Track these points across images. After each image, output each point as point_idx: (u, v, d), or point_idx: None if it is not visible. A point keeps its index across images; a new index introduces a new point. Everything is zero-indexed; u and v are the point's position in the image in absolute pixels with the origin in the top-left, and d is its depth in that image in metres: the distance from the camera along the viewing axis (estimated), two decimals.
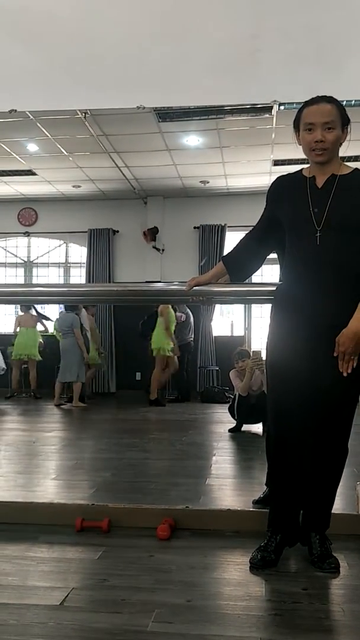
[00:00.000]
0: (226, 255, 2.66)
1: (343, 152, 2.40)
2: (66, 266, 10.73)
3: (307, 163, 2.46)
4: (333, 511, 2.44)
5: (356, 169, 2.41)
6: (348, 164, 2.44)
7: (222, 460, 4.64)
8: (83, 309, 8.59)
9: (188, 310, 9.10)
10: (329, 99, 2.33)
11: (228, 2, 2.98)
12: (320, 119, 2.29)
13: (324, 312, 2.27)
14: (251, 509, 2.98)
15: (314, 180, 2.37)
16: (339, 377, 2.28)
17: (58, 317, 8.87)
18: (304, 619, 1.93)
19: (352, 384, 2.33)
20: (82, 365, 8.35)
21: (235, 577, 2.30)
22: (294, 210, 2.37)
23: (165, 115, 6.66)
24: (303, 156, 2.46)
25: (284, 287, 2.44)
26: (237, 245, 2.61)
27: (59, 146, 7.68)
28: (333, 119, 2.29)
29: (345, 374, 2.26)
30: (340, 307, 2.27)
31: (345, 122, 2.34)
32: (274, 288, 2.50)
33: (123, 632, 1.84)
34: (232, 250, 2.63)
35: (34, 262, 10.73)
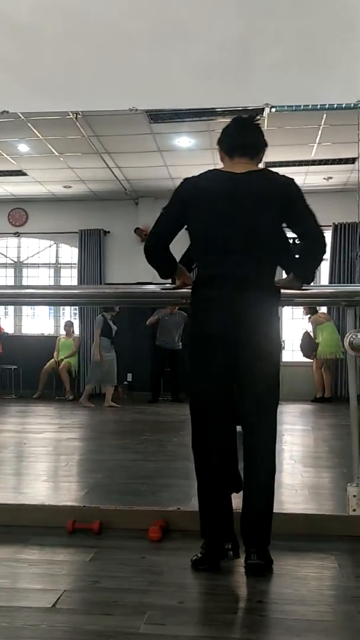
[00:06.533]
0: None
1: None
2: (57, 267, 10.71)
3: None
4: (325, 512, 2.46)
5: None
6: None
7: None
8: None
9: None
10: None
11: (220, 5, 2.99)
12: None
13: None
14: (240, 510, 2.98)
15: None
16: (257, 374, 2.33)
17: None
18: (296, 621, 1.94)
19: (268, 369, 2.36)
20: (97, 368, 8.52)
21: (227, 578, 2.30)
22: None
23: (157, 116, 6.66)
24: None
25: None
26: None
27: (49, 147, 7.66)
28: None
29: None
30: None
31: None
32: None
33: (115, 634, 1.83)
34: None
35: (24, 262, 10.69)
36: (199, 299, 2.41)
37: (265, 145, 2.54)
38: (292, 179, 2.44)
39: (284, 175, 2.45)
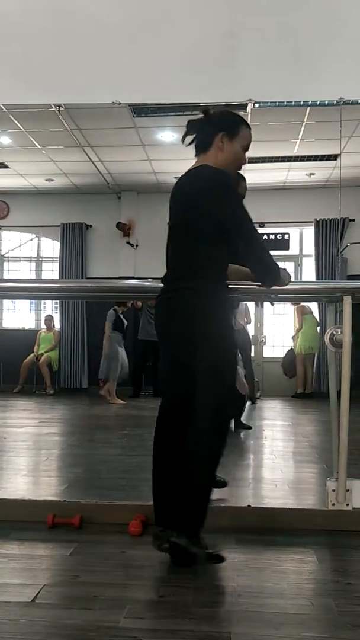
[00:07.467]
0: None
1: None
2: (38, 260, 10.64)
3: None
4: (304, 507, 2.47)
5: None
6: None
7: None
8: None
9: None
10: None
11: (206, 0, 2.99)
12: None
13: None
14: (221, 505, 3.00)
15: None
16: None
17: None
18: (274, 614, 1.96)
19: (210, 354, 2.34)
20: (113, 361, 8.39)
21: (207, 572, 2.31)
22: None
23: (140, 110, 6.64)
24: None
25: None
26: None
27: (32, 139, 7.60)
28: None
29: None
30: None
31: None
32: (254, 286, 2.57)
33: (95, 628, 1.84)
34: None
35: (5, 256, 10.61)
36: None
37: (213, 132, 2.43)
38: (222, 174, 2.36)
39: (215, 170, 2.37)
